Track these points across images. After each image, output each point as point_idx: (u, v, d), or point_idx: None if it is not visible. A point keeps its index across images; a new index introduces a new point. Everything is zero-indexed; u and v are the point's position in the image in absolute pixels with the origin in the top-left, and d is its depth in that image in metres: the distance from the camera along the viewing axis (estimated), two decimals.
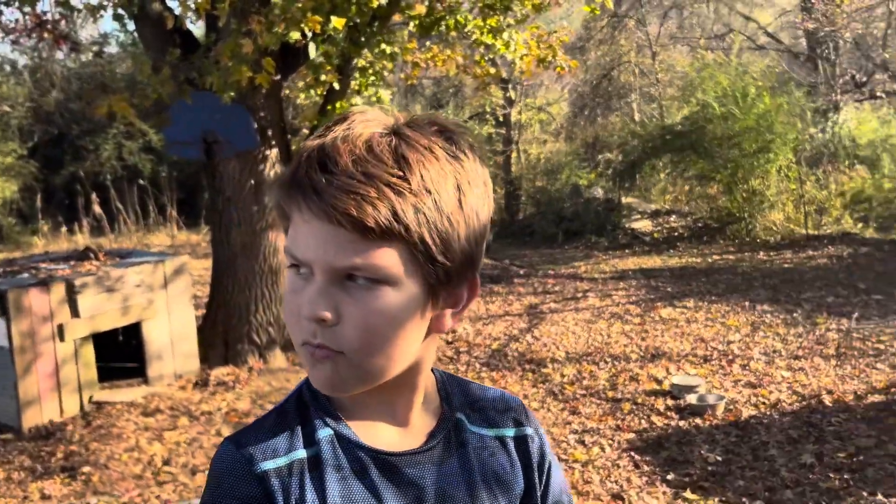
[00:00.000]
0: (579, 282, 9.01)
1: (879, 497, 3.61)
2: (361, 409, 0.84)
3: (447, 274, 0.78)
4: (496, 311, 7.71)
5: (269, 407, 3.99)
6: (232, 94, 4.87)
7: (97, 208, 14.00)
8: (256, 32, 4.25)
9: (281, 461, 0.80)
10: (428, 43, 7.31)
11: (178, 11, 5.10)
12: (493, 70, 6.90)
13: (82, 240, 14.90)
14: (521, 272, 9.52)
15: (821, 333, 6.30)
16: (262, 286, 6.13)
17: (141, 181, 15.12)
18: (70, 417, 5.03)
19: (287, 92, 7.10)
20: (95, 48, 12.59)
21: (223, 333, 6.15)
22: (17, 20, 6.37)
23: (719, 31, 16.41)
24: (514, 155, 14.35)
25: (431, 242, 0.76)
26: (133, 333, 5.64)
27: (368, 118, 0.79)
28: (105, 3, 5.39)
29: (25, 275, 5.18)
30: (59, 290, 4.98)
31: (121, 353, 5.70)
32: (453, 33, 6.27)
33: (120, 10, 5.44)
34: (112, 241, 14.16)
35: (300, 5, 4.09)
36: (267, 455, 0.80)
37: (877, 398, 4.86)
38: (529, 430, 0.93)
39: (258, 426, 0.84)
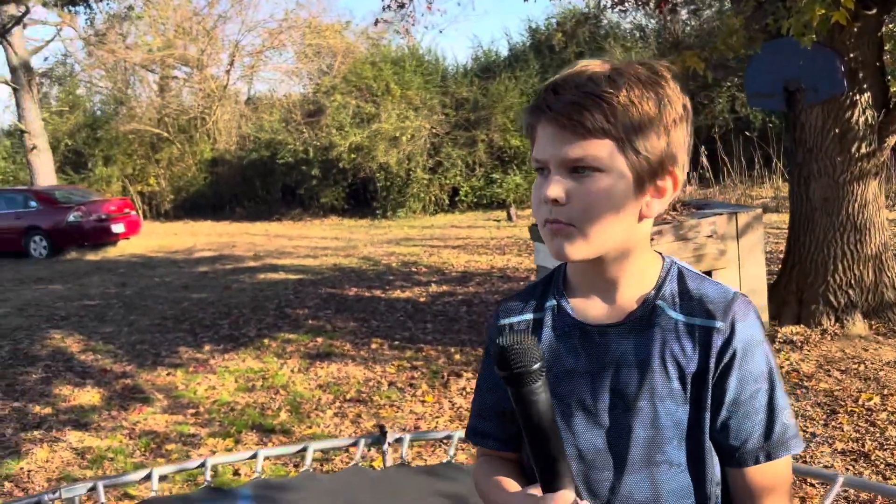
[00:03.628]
0: None
1: None
2: (583, 287, 1.11)
3: (650, 166, 1.01)
4: None
5: (836, 374, 3.88)
6: (813, 37, 4.55)
7: (704, 161, 14.58)
8: None
9: (513, 318, 1.15)
10: None
11: None
12: None
13: (688, 190, 15.76)
14: None
15: None
16: (843, 244, 5.65)
17: (747, 133, 15.08)
18: None
19: (892, 27, 6.22)
20: (689, 7, 12.92)
21: (797, 291, 5.90)
22: None
23: None
24: None
25: (635, 138, 0.99)
26: None
27: (590, 63, 1.03)
28: None
29: None
30: None
31: None
32: None
33: None
34: (716, 193, 14.61)
35: None
36: (506, 314, 1.17)
37: None
38: (718, 324, 1.04)
39: (519, 293, 1.20)
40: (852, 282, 5.69)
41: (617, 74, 1.00)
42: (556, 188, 1.00)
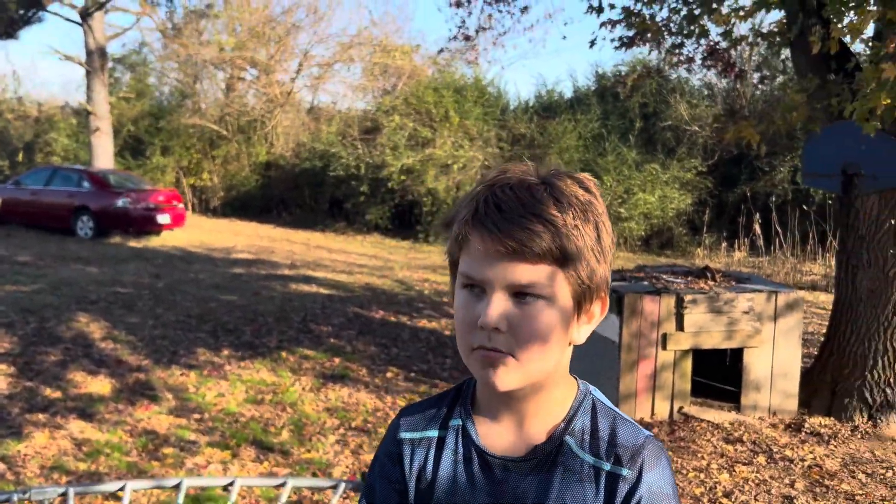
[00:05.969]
0: None
1: None
2: (491, 408, 1.04)
3: (589, 292, 0.98)
4: None
5: (860, 476, 3.63)
6: (877, 124, 4.38)
7: (757, 229, 14.23)
8: None
9: (416, 434, 1.07)
10: None
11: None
12: None
13: (738, 256, 15.39)
14: None
15: None
16: (885, 339, 5.40)
17: (804, 207, 14.71)
18: (658, 421, 5.37)
19: None
20: (758, 75, 12.67)
21: (831, 382, 5.65)
22: (690, 51, 6.95)
23: None
24: None
25: (579, 265, 0.95)
26: (735, 358, 5.66)
27: (518, 172, 0.99)
28: (763, 32, 5.44)
29: (646, 282, 5.69)
30: (669, 302, 5.34)
31: (719, 374, 5.78)
32: None
33: (778, 38, 5.42)
34: (765, 263, 14.22)
35: None
36: (409, 427, 1.08)
37: None
38: (625, 472, 0.97)
39: (423, 402, 1.12)
40: (891, 380, 5.42)
41: (559, 193, 0.96)
42: (498, 315, 0.93)
